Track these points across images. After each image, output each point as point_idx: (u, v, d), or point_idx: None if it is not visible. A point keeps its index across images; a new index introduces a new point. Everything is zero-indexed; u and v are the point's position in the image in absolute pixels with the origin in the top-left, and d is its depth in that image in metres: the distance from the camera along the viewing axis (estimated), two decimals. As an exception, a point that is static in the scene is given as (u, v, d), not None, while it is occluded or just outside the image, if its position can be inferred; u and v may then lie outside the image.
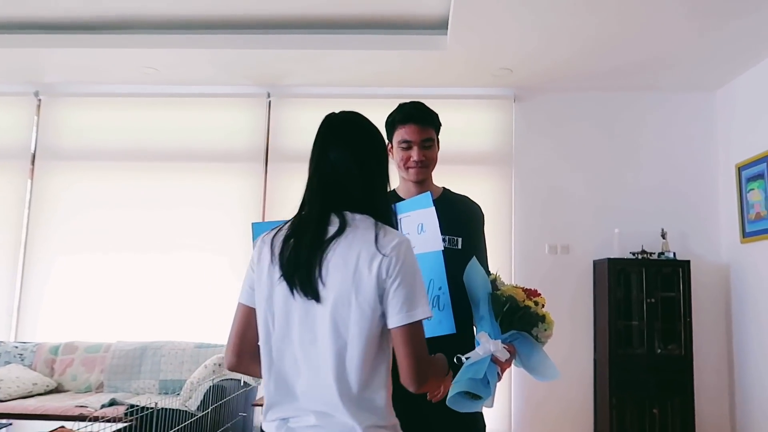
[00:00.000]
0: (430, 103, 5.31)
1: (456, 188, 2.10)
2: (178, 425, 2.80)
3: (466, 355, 1.54)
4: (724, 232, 4.60)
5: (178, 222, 4.83)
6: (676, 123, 4.78)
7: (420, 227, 1.66)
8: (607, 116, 4.83)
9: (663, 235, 4.50)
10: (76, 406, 3.45)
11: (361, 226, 1.28)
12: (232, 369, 1.37)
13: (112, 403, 3.49)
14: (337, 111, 1.46)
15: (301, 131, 4.91)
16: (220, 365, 3.56)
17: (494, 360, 1.52)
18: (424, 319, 1.23)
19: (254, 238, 1.77)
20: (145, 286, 4.73)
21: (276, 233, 1.34)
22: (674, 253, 4.44)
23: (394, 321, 1.22)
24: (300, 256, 1.25)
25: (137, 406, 2.54)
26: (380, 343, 1.24)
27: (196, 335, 4.45)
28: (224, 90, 4.93)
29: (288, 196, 4.84)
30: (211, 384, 3.20)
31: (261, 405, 3.57)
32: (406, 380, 1.23)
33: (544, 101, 4.86)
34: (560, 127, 4.84)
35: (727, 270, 4.53)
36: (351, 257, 1.23)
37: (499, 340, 1.54)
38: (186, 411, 2.91)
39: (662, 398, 4.18)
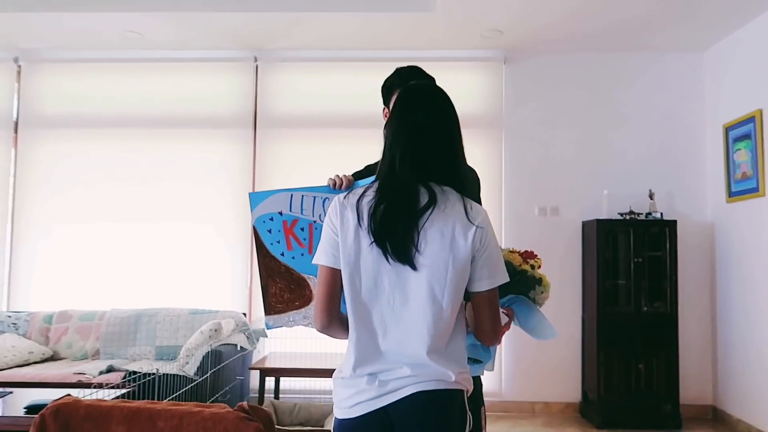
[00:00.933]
0: (421, 66, 5.24)
1: None
2: (178, 390, 2.85)
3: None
4: (710, 191, 4.67)
5: (167, 189, 4.80)
6: (665, 83, 4.79)
7: None
8: (596, 78, 4.82)
9: (651, 196, 4.57)
10: (75, 374, 3.49)
11: (451, 198, 1.36)
12: (323, 330, 1.42)
13: (110, 369, 3.54)
14: (414, 82, 1.58)
15: (289, 96, 4.87)
16: (216, 330, 3.61)
17: None
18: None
19: (252, 208, 1.80)
20: (136, 254, 4.74)
21: (360, 198, 1.37)
22: (661, 214, 4.51)
23: (481, 286, 1.37)
24: (396, 226, 1.31)
25: (139, 372, 2.57)
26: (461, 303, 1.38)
27: (190, 302, 4.48)
28: (210, 54, 4.84)
29: (278, 162, 4.82)
30: (209, 349, 3.24)
31: (257, 369, 3.64)
32: (488, 336, 1.41)
33: (534, 63, 4.84)
34: (550, 89, 4.83)
35: (712, 229, 4.62)
36: (447, 228, 1.33)
37: (501, 305, 1.58)
38: (185, 376, 2.96)
39: (648, 354, 4.31)
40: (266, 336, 4.18)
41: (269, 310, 1.85)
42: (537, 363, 4.62)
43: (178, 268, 4.70)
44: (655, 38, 4.53)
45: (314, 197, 1.82)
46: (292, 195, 1.83)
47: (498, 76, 4.85)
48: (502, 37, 4.55)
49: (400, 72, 1.96)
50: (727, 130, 4.43)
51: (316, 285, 1.44)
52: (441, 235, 1.32)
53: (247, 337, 3.88)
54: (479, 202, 2.00)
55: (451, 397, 1.33)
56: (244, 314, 4.43)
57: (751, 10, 3.98)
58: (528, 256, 1.71)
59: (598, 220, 4.44)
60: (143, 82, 4.89)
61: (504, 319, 1.55)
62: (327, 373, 3.76)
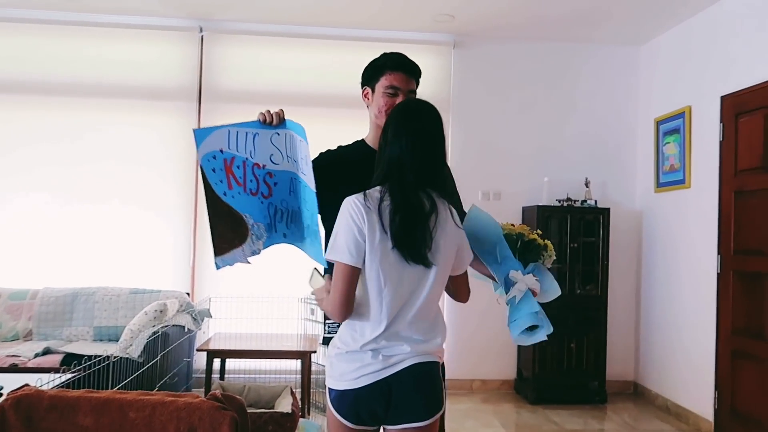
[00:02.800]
0: (369, 46, 5.27)
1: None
2: (123, 374, 2.76)
3: (509, 297, 1.72)
4: (640, 181, 4.97)
5: (105, 162, 4.56)
6: (604, 75, 5.02)
7: (305, 159, 1.75)
8: (540, 66, 4.97)
9: (587, 184, 4.80)
10: (7, 356, 3.30)
11: (442, 205, 1.60)
12: (342, 320, 1.60)
13: (47, 351, 3.37)
14: (412, 100, 1.71)
15: (236, 70, 4.72)
16: (161, 311, 3.50)
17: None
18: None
19: (198, 146, 1.78)
20: (71, 230, 4.50)
21: (380, 203, 1.54)
22: (596, 201, 4.76)
23: (462, 269, 1.68)
24: (413, 233, 1.52)
25: (83, 355, 2.46)
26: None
27: (130, 281, 4.32)
28: (152, 21, 4.59)
29: (223, 138, 4.67)
30: (160, 332, 3.15)
31: (205, 350, 3.58)
32: (465, 299, 1.75)
33: (483, 49, 4.92)
34: (496, 76, 4.94)
35: (641, 217, 4.93)
36: (448, 232, 1.58)
37: (530, 274, 1.69)
38: (132, 360, 2.87)
39: (579, 333, 4.58)
40: (210, 316, 4.10)
41: (216, 250, 1.88)
42: (475, 342, 4.80)
43: (116, 245, 4.50)
44: (598, 31, 4.72)
45: (246, 132, 1.81)
46: (229, 131, 1.80)
47: (447, 59, 4.90)
48: (454, 22, 4.59)
49: (390, 55, 1.93)
50: (658, 123, 4.70)
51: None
52: (445, 238, 1.57)
53: (193, 318, 3.80)
54: (459, 199, 2.06)
55: (436, 367, 1.61)
56: (188, 294, 4.32)
57: (686, 9, 4.22)
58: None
59: (538, 206, 4.63)
60: (77, 48, 4.58)
61: (536, 285, 1.74)
62: (275, 354, 3.76)
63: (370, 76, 1.93)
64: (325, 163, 1.87)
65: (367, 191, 1.56)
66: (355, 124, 4.73)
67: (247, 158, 1.81)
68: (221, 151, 1.80)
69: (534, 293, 1.73)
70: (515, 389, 4.84)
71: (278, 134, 1.80)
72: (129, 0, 4.29)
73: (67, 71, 4.56)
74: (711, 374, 3.95)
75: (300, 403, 3.53)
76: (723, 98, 3.92)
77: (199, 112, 4.65)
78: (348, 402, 1.55)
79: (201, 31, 4.65)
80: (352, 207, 1.53)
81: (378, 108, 1.89)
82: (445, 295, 1.75)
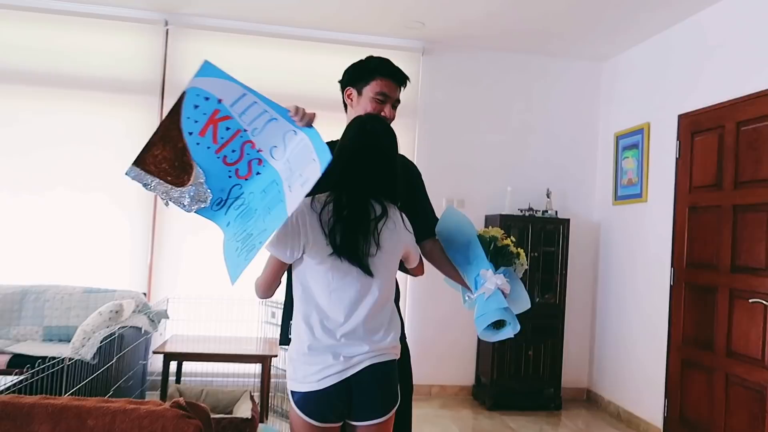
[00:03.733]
0: (338, 48, 5.22)
1: None
2: (77, 376, 2.66)
3: (477, 293, 1.73)
4: (599, 194, 5.10)
5: (61, 155, 4.40)
6: (568, 89, 5.13)
7: (304, 180, 1.61)
8: (507, 77, 5.05)
9: (548, 195, 4.90)
10: (-51, 357, 3.13)
11: (394, 213, 1.68)
12: (263, 298, 1.75)
13: (-8, 352, 3.21)
14: (367, 119, 1.75)
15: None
16: (116, 312, 3.38)
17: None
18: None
19: (197, 75, 1.65)
20: (22, 225, 4.30)
21: (323, 207, 1.60)
22: (556, 212, 4.86)
23: (415, 263, 1.81)
24: (355, 245, 1.58)
25: (35, 357, 2.35)
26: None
27: (84, 280, 4.16)
28: (116, 12, 4.45)
29: (186, 135, 4.57)
30: (116, 334, 3.04)
31: (162, 353, 3.49)
32: (420, 274, 1.89)
33: (451, 57, 4.97)
34: (463, 84, 4.99)
35: (598, 228, 5.07)
36: (394, 235, 1.66)
37: (501, 274, 1.70)
38: (85, 362, 2.77)
39: (537, 341, 4.67)
40: (167, 317, 3.99)
41: (139, 162, 1.74)
42: (434, 347, 4.82)
43: (70, 242, 4.34)
44: (562, 46, 4.83)
45: (264, 110, 1.69)
46: (245, 94, 1.69)
47: (416, 66, 4.92)
48: (424, 29, 4.62)
49: (381, 60, 1.91)
50: (618, 138, 4.85)
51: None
52: (390, 240, 1.65)
53: (150, 320, 3.69)
54: (425, 193, 2.06)
55: (394, 365, 1.68)
56: (144, 294, 4.20)
57: (647, 30, 4.36)
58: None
59: (501, 215, 4.69)
60: (35, 35, 4.39)
61: (506, 285, 1.75)
62: (234, 357, 3.69)
63: (357, 77, 1.89)
64: None
65: (316, 195, 1.63)
66: (324, 125, 4.73)
67: (246, 130, 1.69)
68: (220, 101, 1.66)
69: (504, 293, 1.74)
70: (473, 395, 4.89)
71: (295, 133, 1.70)
72: (92, -11, 4.15)
73: (23, 59, 4.37)
74: (661, 382, 4.08)
75: (259, 408, 3.47)
76: (680, 117, 4.06)
77: (161, 107, 4.53)
78: (313, 402, 1.60)
79: (166, 24, 4.53)
80: (301, 207, 1.60)
81: (364, 112, 1.86)
82: (408, 295, 1.78)
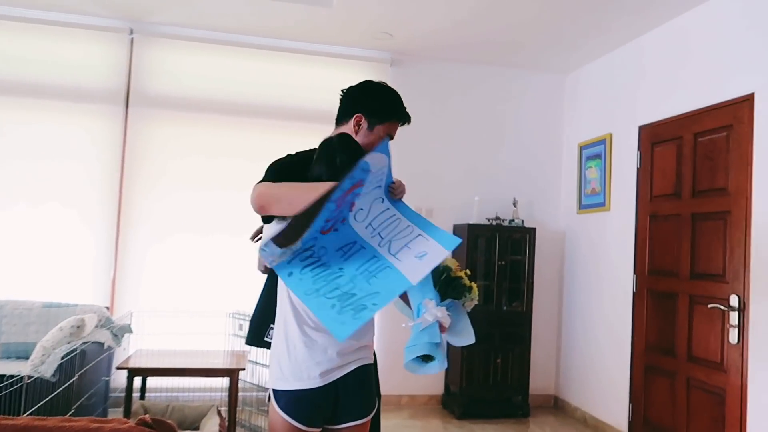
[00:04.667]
0: (306, 58, 5.18)
1: None
2: (37, 394, 2.57)
3: (414, 321, 1.66)
4: (564, 203, 5.21)
5: (19, 165, 4.27)
6: (533, 100, 5.24)
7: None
8: (473, 88, 5.13)
9: (514, 204, 4.97)
10: None
11: None
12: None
13: (-55, 371, 3.07)
14: (337, 151, 1.69)
15: (167, 75, 4.56)
16: (78, 327, 3.28)
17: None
18: None
19: (376, 150, 1.55)
20: (-24, 237, 4.16)
21: None
22: (523, 221, 4.93)
23: None
24: None
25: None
26: None
27: (43, 294, 4.04)
28: (80, 20, 4.36)
29: (151, 145, 4.50)
30: (78, 350, 2.95)
31: (126, 368, 3.40)
32: None
33: (419, 68, 5.02)
34: (432, 95, 5.04)
35: (563, 237, 5.16)
36: None
37: (444, 307, 1.67)
38: (47, 380, 2.68)
39: (505, 349, 4.71)
40: (131, 332, 3.90)
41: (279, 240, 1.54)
42: (402, 353, 4.81)
43: (30, 256, 4.20)
44: (527, 58, 4.93)
45: (381, 177, 1.64)
46: (385, 166, 1.63)
47: (384, 77, 4.95)
48: (392, 40, 4.66)
49: (404, 110, 1.90)
50: (582, 148, 4.96)
51: None
52: None
53: (113, 334, 3.59)
54: None
55: (373, 368, 1.78)
56: (107, 308, 4.09)
57: (606, 45, 4.49)
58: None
59: (468, 224, 4.74)
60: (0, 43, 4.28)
61: (446, 319, 1.66)
62: (201, 372, 3.62)
63: (375, 113, 1.84)
64: (292, 169, 1.78)
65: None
66: (290, 134, 4.72)
67: (358, 194, 1.60)
68: (369, 171, 1.56)
69: (442, 328, 1.66)
70: (443, 404, 4.90)
71: (382, 201, 1.66)
72: (53, -4, 4.06)
73: (-22, 66, 4.25)
74: (626, 388, 4.17)
75: (227, 422, 3.41)
76: (641, 128, 4.19)
77: (126, 117, 4.45)
78: (301, 402, 1.61)
79: (131, 33, 4.46)
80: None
81: (369, 144, 1.82)
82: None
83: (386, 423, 4.36)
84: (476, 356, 4.64)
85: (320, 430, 1.67)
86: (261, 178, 1.79)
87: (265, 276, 1.92)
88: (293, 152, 1.92)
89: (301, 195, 1.51)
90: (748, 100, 3.27)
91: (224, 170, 4.60)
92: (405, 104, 1.96)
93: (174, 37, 4.54)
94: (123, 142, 4.43)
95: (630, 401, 4.12)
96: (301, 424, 1.61)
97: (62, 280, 4.23)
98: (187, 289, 4.51)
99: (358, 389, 1.68)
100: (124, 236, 4.41)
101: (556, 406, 5.06)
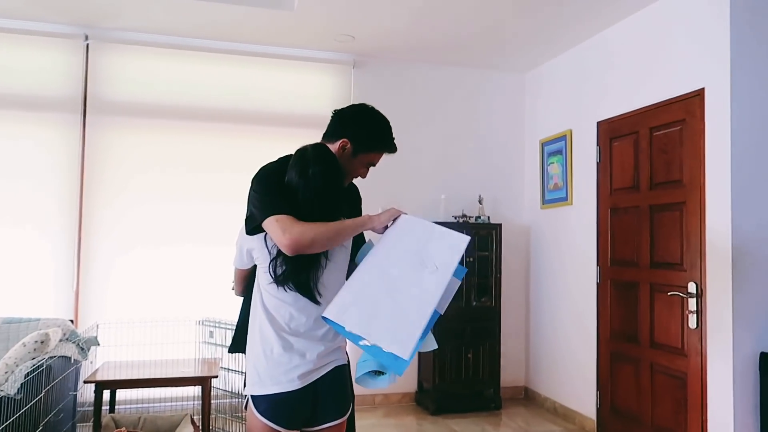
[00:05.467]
0: (268, 62, 5.15)
1: (289, 151, 1.92)
2: (3, 416, 2.50)
3: (362, 342, 1.65)
4: (528, 198, 5.31)
5: (-29, 178, 4.13)
6: (495, 99, 5.32)
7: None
8: (436, 88, 5.18)
9: (480, 201, 5.05)
10: None
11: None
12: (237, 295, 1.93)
13: None
14: (311, 162, 1.74)
15: (125, 81, 4.47)
16: (42, 342, 3.19)
17: None
18: None
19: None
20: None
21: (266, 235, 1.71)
22: (488, 217, 5.02)
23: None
24: (298, 280, 1.68)
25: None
26: None
27: (3, 309, 3.91)
28: (32, 26, 4.24)
29: (112, 153, 4.41)
30: (43, 366, 2.87)
31: (94, 382, 3.33)
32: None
33: (381, 69, 5.05)
34: (395, 96, 5.08)
35: (529, 232, 5.27)
36: (343, 265, 1.78)
37: None
38: (11, 398, 2.60)
39: (475, 344, 4.79)
40: (98, 344, 3.81)
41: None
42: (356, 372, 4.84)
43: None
44: (485, 58, 5.01)
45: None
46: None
47: (347, 78, 4.97)
48: (354, 42, 4.67)
49: (389, 133, 1.95)
50: (543, 145, 5.07)
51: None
52: (339, 272, 1.78)
53: (79, 348, 3.50)
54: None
55: (347, 369, 1.80)
56: (72, 321, 3.98)
57: (562, 43, 4.60)
58: None
59: (435, 222, 4.77)
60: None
61: None
62: (172, 381, 3.57)
63: (363, 141, 1.87)
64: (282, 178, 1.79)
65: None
66: (253, 139, 4.69)
67: None
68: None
69: None
70: (416, 401, 4.95)
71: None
72: (6, 2, 3.93)
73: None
74: (593, 376, 4.29)
75: (201, 431, 3.38)
76: (599, 123, 4.31)
77: (83, 125, 4.35)
78: (281, 405, 1.63)
79: (86, 39, 4.36)
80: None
81: (350, 168, 1.89)
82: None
83: (361, 423, 4.38)
84: (448, 352, 4.70)
85: None
86: (252, 188, 1.77)
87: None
88: (275, 159, 1.90)
89: (334, 237, 1.67)
90: (699, 95, 3.41)
91: (189, 179, 4.55)
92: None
93: (131, 42, 4.46)
94: (81, 151, 4.33)
95: (597, 389, 4.24)
96: (281, 427, 1.63)
97: (23, 294, 4.11)
98: (154, 299, 4.44)
99: (335, 390, 1.71)
100: (87, 247, 4.31)
101: (527, 397, 5.17)
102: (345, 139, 1.86)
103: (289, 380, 1.62)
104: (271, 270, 1.66)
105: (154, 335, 4.00)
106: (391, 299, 1.60)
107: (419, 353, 4.92)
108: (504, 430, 4.39)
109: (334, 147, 1.86)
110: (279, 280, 1.65)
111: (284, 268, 1.65)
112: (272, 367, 1.63)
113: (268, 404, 1.62)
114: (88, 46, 4.37)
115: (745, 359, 3.15)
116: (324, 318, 1.63)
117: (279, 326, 1.67)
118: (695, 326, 3.38)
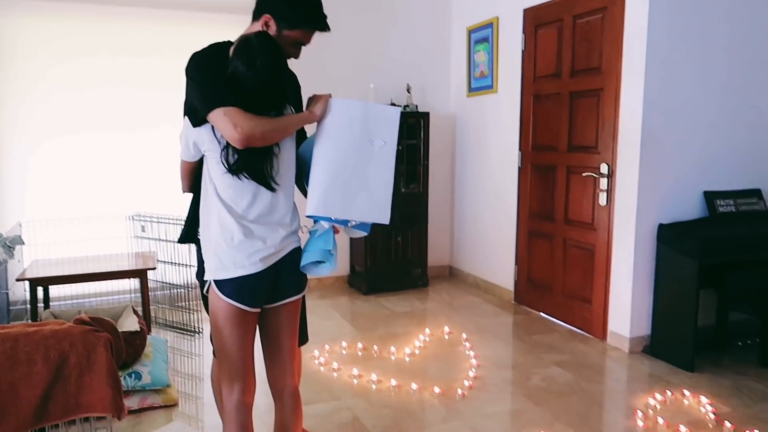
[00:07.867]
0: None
1: (215, 39, 1.84)
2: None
3: (311, 228, 1.81)
4: (454, 87, 5.39)
5: None
6: (421, -16, 5.20)
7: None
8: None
9: (408, 90, 5.08)
10: None
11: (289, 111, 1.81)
12: (183, 192, 1.91)
13: None
14: (256, 52, 1.65)
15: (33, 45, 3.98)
16: (-35, 242, 3.07)
17: (334, 229, 1.81)
18: None
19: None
20: None
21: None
22: (417, 106, 5.09)
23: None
24: (255, 165, 1.68)
25: None
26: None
27: None
28: None
29: (23, 41, 4.01)
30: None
31: (27, 279, 3.28)
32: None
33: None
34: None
35: (455, 120, 5.41)
36: (291, 152, 1.81)
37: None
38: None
39: (404, 228, 5.03)
40: (23, 243, 3.70)
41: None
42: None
43: None
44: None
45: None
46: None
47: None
48: None
49: (313, 7, 1.86)
50: (470, 32, 5.08)
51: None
52: (290, 160, 1.82)
53: (7, 247, 3.39)
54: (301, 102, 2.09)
55: (301, 249, 1.85)
56: (-9, 220, 3.82)
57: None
58: None
59: (365, 112, 4.80)
60: None
61: (340, 224, 1.81)
62: (110, 275, 3.57)
63: (285, 16, 1.76)
64: (218, 62, 1.69)
65: None
66: (177, 25, 4.40)
67: None
68: None
69: (336, 230, 1.81)
70: (349, 284, 5.22)
71: None
72: None
73: None
74: (512, 253, 4.67)
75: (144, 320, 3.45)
76: (525, 11, 4.35)
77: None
78: (246, 286, 1.71)
79: None
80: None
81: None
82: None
83: (298, 306, 4.60)
84: (379, 237, 4.93)
85: (259, 310, 1.79)
86: (189, 77, 1.69)
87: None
88: (206, 45, 1.81)
89: (282, 132, 1.70)
90: (621, -18, 3.51)
91: (109, 65, 4.28)
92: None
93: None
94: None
95: (516, 263, 4.65)
96: (247, 306, 1.72)
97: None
98: (80, 195, 4.29)
99: (294, 269, 1.79)
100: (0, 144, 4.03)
101: (452, 274, 5.57)
102: (267, 15, 1.76)
103: (251, 263, 1.69)
104: (223, 159, 1.66)
105: (83, 232, 3.92)
106: (357, 179, 1.74)
107: (351, 239, 5.13)
108: (430, 303, 4.77)
109: (257, 27, 1.79)
110: (233, 170, 1.66)
111: (236, 157, 1.65)
112: (235, 253, 1.68)
113: (233, 286, 1.70)
114: None
115: (645, 231, 3.54)
116: (310, 216, 1.74)
117: (237, 215, 1.70)
118: (605, 203, 3.72)
